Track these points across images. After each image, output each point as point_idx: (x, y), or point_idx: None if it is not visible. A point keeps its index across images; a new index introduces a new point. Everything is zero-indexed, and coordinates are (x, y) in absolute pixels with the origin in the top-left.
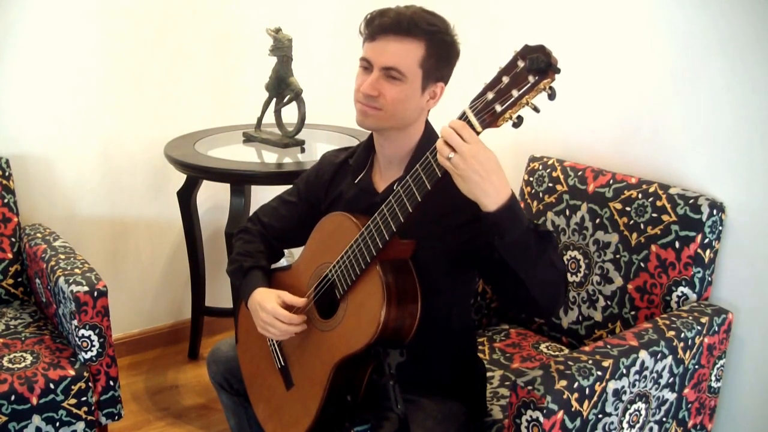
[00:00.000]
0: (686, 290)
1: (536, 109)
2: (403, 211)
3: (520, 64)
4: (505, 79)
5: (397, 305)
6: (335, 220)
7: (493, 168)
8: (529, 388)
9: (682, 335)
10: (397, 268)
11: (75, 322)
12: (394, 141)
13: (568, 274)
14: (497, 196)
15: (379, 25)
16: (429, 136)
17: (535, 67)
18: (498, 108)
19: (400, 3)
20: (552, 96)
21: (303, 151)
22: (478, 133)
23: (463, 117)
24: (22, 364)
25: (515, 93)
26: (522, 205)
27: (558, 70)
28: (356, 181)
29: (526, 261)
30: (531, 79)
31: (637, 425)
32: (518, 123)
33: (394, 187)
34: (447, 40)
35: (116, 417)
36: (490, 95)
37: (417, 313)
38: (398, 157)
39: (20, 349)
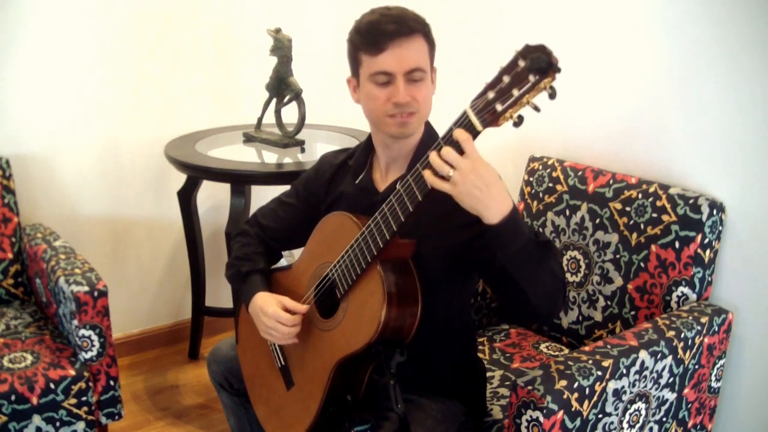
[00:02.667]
0: (686, 290)
1: (537, 109)
2: (404, 210)
3: (521, 63)
4: (506, 79)
5: (398, 305)
6: (336, 220)
7: (493, 180)
8: (529, 388)
9: (682, 335)
10: (398, 268)
11: (75, 322)
12: (405, 140)
13: (568, 274)
14: (498, 209)
15: (385, 34)
16: (429, 132)
17: (535, 66)
18: (499, 107)
19: (382, 2)
20: (553, 95)
21: (303, 151)
22: (478, 133)
23: (464, 116)
24: (23, 364)
25: (516, 92)
26: (522, 205)
27: (559, 70)
28: (356, 182)
29: (526, 271)
30: (532, 78)
31: (637, 425)
32: (519, 122)
33: (397, 186)
34: (430, 28)
35: (116, 417)
36: (490, 94)
37: (417, 312)
38: (401, 156)
39: (20, 348)
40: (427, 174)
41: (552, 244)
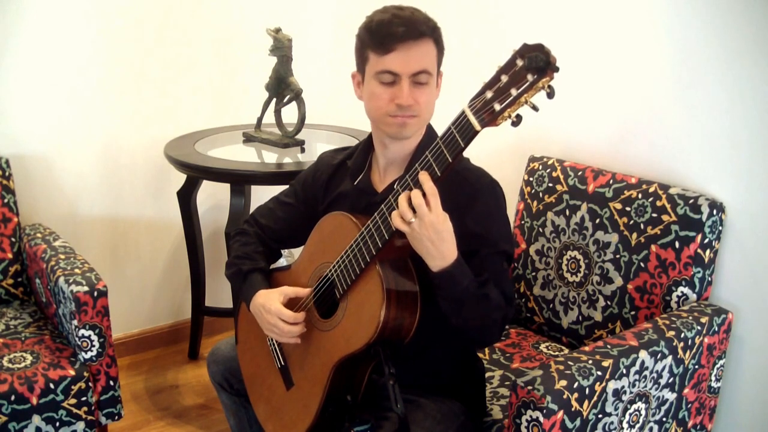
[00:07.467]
0: (686, 290)
1: (535, 108)
2: None
3: (519, 62)
4: (504, 78)
5: (397, 304)
6: (335, 220)
7: (446, 237)
8: (529, 388)
9: (682, 335)
10: (397, 268)
11: (75, 322)
12: (403, 142)
13: (568, 274)
14: (442, 261)
15: (394, 35)
16: (430, 133)
17: (533, 65)
18: (497, 107)
19: (390, 2)
20: (551, 95)
21: (303, 151)
22: (477, 132)
23: (462, 116)
24: (22, 364)
25: (514, 92)
26: (522, 205)
27: (557, 69)
28: (355, 183)
29: (457, 311)
30: (530, 77)
31: (637, 425)
32: (517, 122)
33: (395, 186)
34: (440, 32)
35: (116, 417)
36: (488, 94)
37: (417, 312)
38: (400, 157)
39: (20, 349)
40: (395, 214)
41: (489, 298)
